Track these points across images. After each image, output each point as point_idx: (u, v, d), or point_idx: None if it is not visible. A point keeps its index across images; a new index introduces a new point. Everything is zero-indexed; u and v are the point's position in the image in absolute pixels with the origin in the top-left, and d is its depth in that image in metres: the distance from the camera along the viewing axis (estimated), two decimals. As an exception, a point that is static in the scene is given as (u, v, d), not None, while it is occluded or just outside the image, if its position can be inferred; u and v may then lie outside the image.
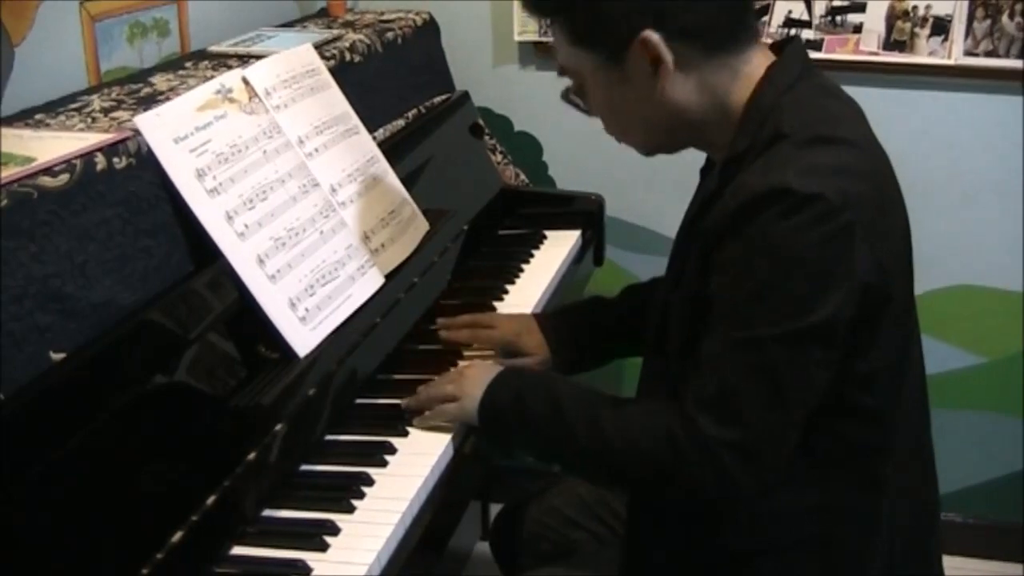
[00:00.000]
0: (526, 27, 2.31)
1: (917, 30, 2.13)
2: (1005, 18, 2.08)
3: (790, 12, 2.17)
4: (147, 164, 1.34)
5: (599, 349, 1.66)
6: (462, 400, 1.41)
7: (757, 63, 1.26)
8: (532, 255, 2.04)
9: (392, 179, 1.76)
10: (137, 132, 1.34)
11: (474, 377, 1.42)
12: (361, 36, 2.00)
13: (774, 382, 1.16)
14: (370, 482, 1.34)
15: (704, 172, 1.43)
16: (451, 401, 1.42)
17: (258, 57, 1.71)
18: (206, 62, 1.82)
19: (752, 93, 1.24)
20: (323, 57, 1.77)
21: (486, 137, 2.26)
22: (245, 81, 1.53)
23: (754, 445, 1.18)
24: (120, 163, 1.30)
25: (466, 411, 1.40)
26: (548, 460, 1.36)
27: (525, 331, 1.63)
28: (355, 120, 1.74)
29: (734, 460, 1.17)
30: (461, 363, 1.60)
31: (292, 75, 1.63)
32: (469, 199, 2.06)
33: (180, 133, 1.38)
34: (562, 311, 1.71)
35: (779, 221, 1.13)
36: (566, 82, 1.36)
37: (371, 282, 1.60)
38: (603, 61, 1.25)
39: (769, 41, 1.34)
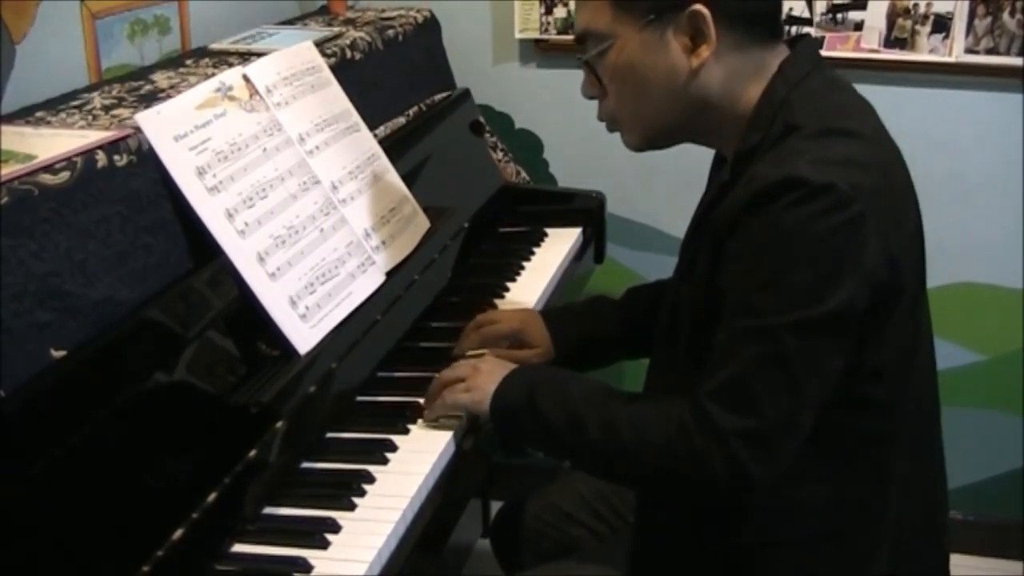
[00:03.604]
0: (527, 25, 2.31)
1: (918, 27, 2.13)
2: (1006, 15, 2.08)
3: (791, 9, 2.17)
4: (148, 162, 1.34)
5: (600, 350, 1.65)
6: (473, 393, 1.40)
7: (774, 59, 1.26)
8: (533, 253, 2.04)
9: (393, 176, 1.76)
10: (138, 130, 1.34)
11: (488, 372, 1.42)
12: (362, 34, 2.00)
13: (787, 371, 1.16)
14: (371, 480, 1.34)
15: (715, 168, 1.43)
16: (463, 392, 1.42)
17: (259, 55, 1.71)
18: (207, 60, 1.82)
19: (765, 88, 1.25)
20: (324, 55, 1.77)
21: (487, 135, 2.26)
22: (246, 79, 1.53)
23: (767, 434, 1.17)
24: (121, 161, 1.30)
25: (480, 405, 1.40)
26: (559, 457, 1.35)
27: (530, 323, 1.63)
28: (356, 117, 1.74)
29: (746, 449, 1.17)
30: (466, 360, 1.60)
31: (293, 72, 1.63)
32: (470, 197, 2.06)
33: (180, 131, 1.38)
34: (565, 309, 1.70)
35: (791, 210, 1.13)
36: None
37: (371, 280, 1.60)
38: (644, 24, 1.23)
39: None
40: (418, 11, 2.25)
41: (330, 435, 1.44)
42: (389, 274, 1.64)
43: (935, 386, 1.38)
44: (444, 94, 2.21)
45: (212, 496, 1.21)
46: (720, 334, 1.20)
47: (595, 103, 1.77)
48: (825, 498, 1.28)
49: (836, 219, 1.13)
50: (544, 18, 2.29)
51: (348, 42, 1.93)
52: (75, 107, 1.50)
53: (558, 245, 2.09)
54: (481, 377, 1.41)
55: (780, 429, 1.18)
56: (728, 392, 1.18)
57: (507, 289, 1.89)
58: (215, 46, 1.91)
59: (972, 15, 2.09)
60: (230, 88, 1.49)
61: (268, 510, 1.29)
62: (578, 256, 2.13)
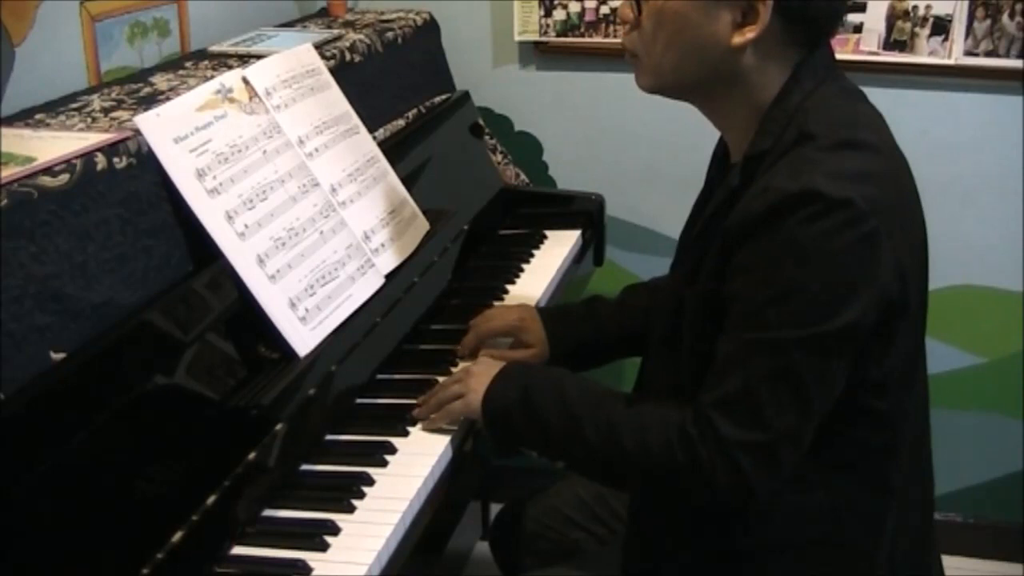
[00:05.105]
0: (526, 27, 2.31)
1: (917, 30, 2.13)
2: (1005, 18, 2.08)
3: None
4: (147, 164, 1.34)
5: (597, 352, 1.65)
6: (467, 395, 1.40)
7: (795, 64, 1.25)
8: (532, 255, 2.04)
9: (392, 179, 1.76)
10: (137, 132, 1.34)
11: (479, 373, 1.42)
12: (361, 36, 2.00)
13: (796, 385, 1.16)
14: (370, 482, 1.34)
15: (716, 166, 1.42)
16: (457, 399, 1.42)
17: (258, 57, 1.71)
18: (206, 62, 1.82)
19: (780, 91, 1.24)
20: (323, 57, 1.77)
21: (486, 137, 2.26)
22: (245, 81, 1.53)
23: (772, 446, 1.17)
24: (120, 163, 1.30)
25: (471, 406, 1.40)
26: (553, 458, 1.34)
27: (527, 320, 1.63)
28: (355, 120, 1.74)
29: (750, 461, 1.17)
30: (462, 363, 1.60)
31: (292, 75, 1.63)
32: (469, 199, 2.06)
33: (180, 133, 1.38)
34: (563, 309, 1.70)
35: (807, 224, 1.13)
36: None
37: (371, 282, 1.60)
38: None
39: None
40: (417, 13, 2.26)
41: (330, 437, 1.44)
42: (389, 276, 1.64)
43: (927, 395, 1.38)
44: (444, 96, 2.21)
45: (212, 498, 1.21)
46: (726, 344, 1.19)
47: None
48: (824, 505, 1.28)
49: (852, 235, 1.13)
50: (543, 20, 2.29)
51: (347, 44, 1.93)
52: (74, 109, 1.50)
53: (558, 247, 2.09)
54: (472, 379, 1.41)
55: (786, 441, 1.18)
56: (734, 404, 1.17)
57: (507, 291, 1.89)
58: (214, 48, 1.91)
59: (971, 17, 2.09)
60: (230, 90, 1.49)
61: (268, 512, 1.29)
62: (578, 258, 2.13)
